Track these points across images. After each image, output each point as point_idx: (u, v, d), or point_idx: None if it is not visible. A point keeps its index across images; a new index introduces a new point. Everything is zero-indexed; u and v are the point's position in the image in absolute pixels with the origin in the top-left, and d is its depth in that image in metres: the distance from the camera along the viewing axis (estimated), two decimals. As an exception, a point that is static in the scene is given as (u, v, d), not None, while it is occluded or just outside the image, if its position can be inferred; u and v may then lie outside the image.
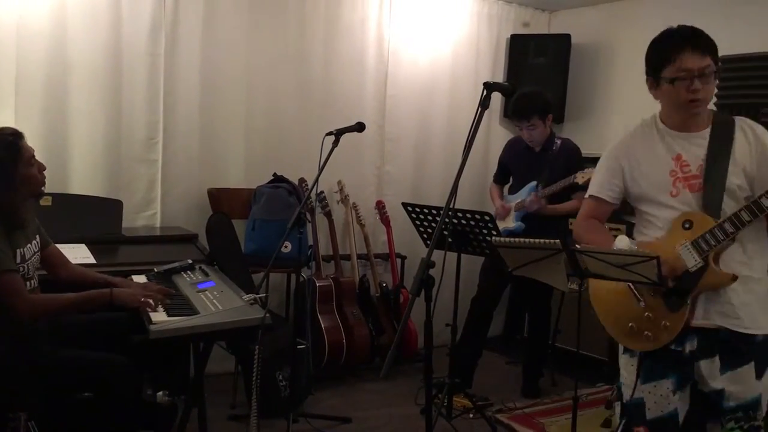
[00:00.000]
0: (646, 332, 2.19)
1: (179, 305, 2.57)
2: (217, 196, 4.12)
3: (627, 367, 2.28)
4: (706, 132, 2.15)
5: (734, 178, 2.09)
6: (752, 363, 2.05)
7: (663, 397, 2.17)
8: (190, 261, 3.13)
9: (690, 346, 2.14)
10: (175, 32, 3.99)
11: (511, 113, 4.15)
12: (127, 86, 3.91)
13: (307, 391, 3.81)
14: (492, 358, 4.85)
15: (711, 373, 2.10)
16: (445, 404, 3.71)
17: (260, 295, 2.67)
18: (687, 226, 2.13)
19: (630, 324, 2.24)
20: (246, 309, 2.53)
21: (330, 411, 3.78)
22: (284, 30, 4.39)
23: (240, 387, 3.71)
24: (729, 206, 2.09)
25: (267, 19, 4.31)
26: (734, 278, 2.05)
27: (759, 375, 2.05)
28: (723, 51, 2.20)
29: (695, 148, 2.15)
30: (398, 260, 4.82)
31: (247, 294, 2.69)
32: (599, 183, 2.37)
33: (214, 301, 2.60)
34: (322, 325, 4.17)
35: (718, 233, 2.04)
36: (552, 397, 4.22)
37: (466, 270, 4.14)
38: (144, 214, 4.03)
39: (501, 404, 4.00)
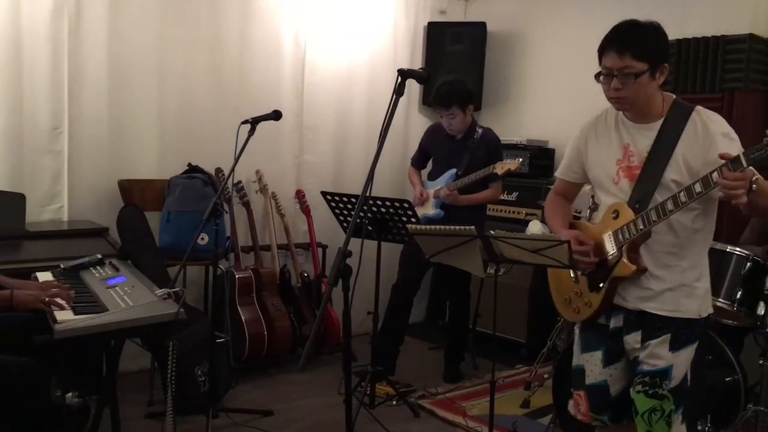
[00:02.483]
0: (574, 305, 2.34)
1: (86, 303, 2.46)
2: (128, 187, 3.97)
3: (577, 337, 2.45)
4: (659, 123, 2.15)
5: (671, 173, 2.10)
6: (669, 335, 2.15)
7: (595, 367, 2.31)
8: (99, 256, 3.01)
9: (615, 321, 2.26)
10: (79, 15, 3.80)
11: (431, 100, 4.17)
12: (28, 73, 3.69)
13: (227, 385, 3.74)
14: (415, 344, 4.89)
15: (633, 344, 2.22)
16: (368, 393, 3.71)
17: (174, 290, 2.59)
18: (614, 215, 2.19)
19: (565, 296, 2.39)
20: (158, 304, 2.44)
21: (251, 404, 3.72)
22: (196, 14, 4.25)
23: (157, 384, 3.61)
24: (663, 197, 2.10)
25: (178, 2, 4.16)
26: (640, 271, 2.12)
27: (673, 348, 2.15)
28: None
29: (644, 138, 2.17)
30: (319, 249, 4.79)
31: (161, 289, 2.61)
32: (564, 164, 2.45)
33: (125, 297, 2.51)
34: (242, 317, 4.09)
35: (633, 227, 2.10)
36: (473, 380, 4.29)
37: (387, 258, 4.15)
38: (49, 208, 3.83)
39: (423, 390, 4.04)
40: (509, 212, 4.93)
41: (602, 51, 2.13)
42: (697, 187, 1.96)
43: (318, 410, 3.71)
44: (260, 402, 3.77)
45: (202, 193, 3.91)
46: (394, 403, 3.81)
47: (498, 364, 4.44)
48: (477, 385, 4.17)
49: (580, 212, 3.94)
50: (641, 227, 2.09)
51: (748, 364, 3.35)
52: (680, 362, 2.15)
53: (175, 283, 2.87)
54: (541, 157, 4.98)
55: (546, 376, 3.93)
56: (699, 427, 3.02)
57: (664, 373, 2.14)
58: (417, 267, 4.17)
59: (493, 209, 4.89)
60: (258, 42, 4.54)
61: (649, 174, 2.13)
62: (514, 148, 4.90)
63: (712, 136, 2.06)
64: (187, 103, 4.26)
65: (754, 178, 1.89)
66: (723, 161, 1.90)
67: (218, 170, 4.26)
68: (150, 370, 3.72)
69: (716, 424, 3.07)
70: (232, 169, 3.11)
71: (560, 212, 2.46)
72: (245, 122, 3.19)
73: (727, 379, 3.22)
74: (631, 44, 2.07)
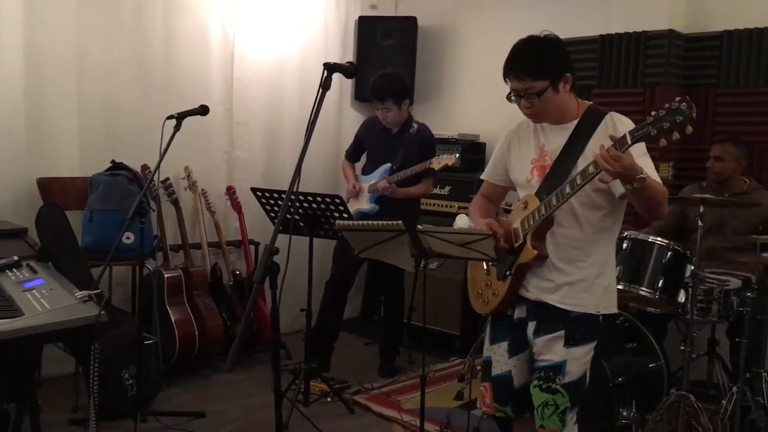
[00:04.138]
0: (484, 297, 2.40)
1: (0, 307, 2.34)
2: (47, 185, 3.82)
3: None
4: (573, 123, 2.24)
5: (580, 168, 2.15)
6: (563, 331, 2.21)
7: (502, 357, 2.37)
8: (16, 258, 2.86)
9: (519, 312, 2.33)
10: (-8, 8, 3.63)
11: (368, 93, 4.15)
12: (-62, 68, 3.52)
13: (156, 388, 3.64)
14: (350, 339, 4.88)
15: (531, 336, 2.28)
16: (302, 390, 3.68)
17: (95, 291, 2.49)
18: (524, 206, 2.27)
19: (477, 289, 2.44)
20: (78, 307, 2.34)
21: (182, 406, 3.63)
22: (118, 2, 4.11)
23: (82, 389, 3.48)
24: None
25: (98, -7, 4.02)
26: (541, 257, 2.19)
27: (567, 344, 2.21)
28: (562, 36, 2.28)
29: (559, 138, 2.25)
30: (252, 247, 4.72)
31: (82, 291, 2.51)
32: (490, 167, 2.51)
33: (42, 300, 2.39)
34: (172, 318, 3.99)
35: (537, 213, 2.19)
36: (408, 374, 4.30)
37: (321, 253, 4.12)
38: (-37, 208, 3.66)
39: (359, 385, 4.03)
40: (442, 206, 4.97)
41: (505, 75, 2.21)
42: (591, 168, 2.05)
43: (251, 410, 3.65)
44: (192, 404, 3.69)
45: (127, 190, 3.80)
46: (329, 399, 3.78)
47: (432, 357, 4.52)
48: (412, 379, 4.18)
49: (510, 205, 3.99)
50: (543, 212, 2.17)
51: (671, 350, 3.47)
52: (575, 358, 2.20)
53: (99, 284, 2.78)
54: (472, 151, 5.03)
55: (479, 368, 3.96)
56: (625, 413, 3.10)
57: (558, 367, 2.20)
58: (350, 262, 4.15)
59: (426, 203, 4.91)
60: (184, 33, 4.43)
61: (558, 169, 2.20)
62: (446, 143, 4.94)
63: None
64: (109, 96, 4.12)
65: (639, 176, 1.98)
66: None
67: (144, 167, 4.14)
68: (74, 374, 3.59)
69: (641, 409, 3.16)
70: (158, 166, 3.03)
71: (480, 207, 2.52)
72: (170, 117, 3.12)
73: (650, 365, 3.34)
74: (527, 66, 2.15)
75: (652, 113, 1.93)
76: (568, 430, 2.21)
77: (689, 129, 1.90)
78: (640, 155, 2.11)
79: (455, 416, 3.52)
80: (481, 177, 2.56)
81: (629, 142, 1.96)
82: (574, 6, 4.60)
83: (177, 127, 3.09)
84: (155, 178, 3.13)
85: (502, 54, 2.23)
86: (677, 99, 1.90)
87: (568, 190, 2.11)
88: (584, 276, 2.22)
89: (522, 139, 2.37)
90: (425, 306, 2.70)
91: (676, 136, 1.90)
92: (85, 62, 3.99)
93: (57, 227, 3.45)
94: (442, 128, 5.03)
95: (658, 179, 2.14)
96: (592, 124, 2.20)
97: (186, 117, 3.15)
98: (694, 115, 1.88)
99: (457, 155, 4.07)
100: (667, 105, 1.91)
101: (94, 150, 4.04)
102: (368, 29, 5.36)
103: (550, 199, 2.15)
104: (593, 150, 2.13)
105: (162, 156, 3.01)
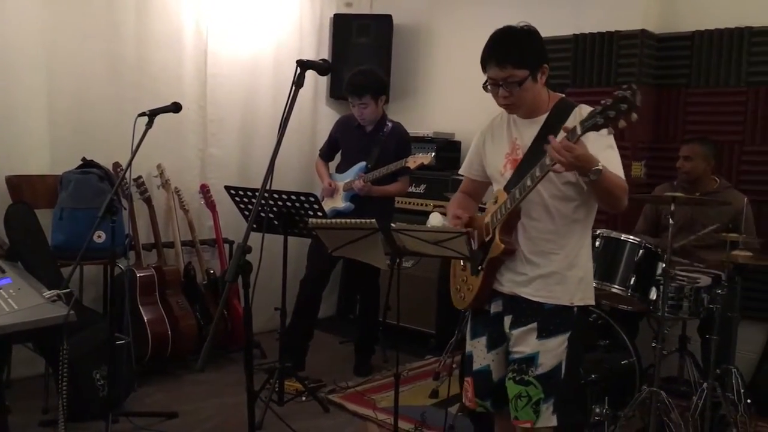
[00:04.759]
0: (461, 292, 2.41)
1: (-34, 307, 2.31)
2: (16, 183, 3.75)
3: None
4: (544, 117, 2.24)
5: (548, 160, 2.14)
6: (535, 324, 2.23)
7: (481, 352, 2.38)
8: (-17, 257, 2.83)
9: (495, 307, 2.35)
10: (-42, 4, 3.56)
11: (345, 88, 4.14)
12: None
13: (129, 388, 3.60)
14: (326, 338, 4.87)
15: (508, 329, 2.29)
16: (277, 390, 3.66)
17: (64, 291, 2.46)
18: (494, 201, 2.28)
19: (456, 285, 2.45)
20: (46, 307, 2.33)
21: (155, 406, 3.59)
22: (89, 2, 4.05)
23: (52, 390, 3.42)
24: (543, 186, 2.18)
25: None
26: (508, 251, 2.20)
27: (540, 335, 2.22)
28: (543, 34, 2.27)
29: (530, 131, 2.26)
30: (226, 245, 4.68)
31: (51, 290, 2.48)
32: (467, 162, 2.52)
33: (10, 300, 2.37)
34: (145, 318, 3.94)
35: (503, 207, 2.20)
36: (383, 373, 4.30)
37: (296, 252, 4.10)
38: (-71, 207, 3.57)
39: (333, 384, 4.02)
40: (417, 204, 4.97)
41: (484, 63, 2.20)
42: (547, 160, 2.04)
43: (225, 410, 3.62)
44: (164, 404, 3.66)
45: (98, 188, 3.76)
46: (304, 399, 3.77)
47: (408, 356, 4.52)
48: (387, 378, 4.18)
49: (485, 203, 4.01)
50: (508, 206, 2.18)
51: (643, 347, 3.51)
52: (548, 350, 2.21)
53: (69, 283, 2.74)
54: (447, 149, 5.04)
55: (454, 366, 3.98)
56: (597, 410, 3.13)
57: (531, 359, 2.21)
58: (325, 261, 4.13)
59: (402, 201, 4.92)
60: (157, 30, 4.37)
61: (528, 161, 2.20)
62: (421, 141, 4.94)
63: None
64: (80, 94, 4.05)
65: (595, 168, 1.98)
66: (591, 152, 2.01)
67: (116, 165, 4.08)
68: (44, 375, 3.54)
69: (613, 405, 3.19)
70: (129, 164, 3.00)
71: (458, 204, 2.51)
72: (142, 114, 3.09)
73: (623, 362, 3.37)
74: (509, 55, 2.15)
75: (602, 102, 1.93)
76: (543, 421, 2.20)
77: (634, 116, 1.89)
78: (606, 148, 2.11)
79: (430, 414, 3.53)
80: (460, 172, 2.55)
81: (579, 132, 1.96)
82: (548, 5, 4.62)
83: (149, 125, 3.06)
84: (127, 175, 3.09)
85: (477, 52, 2.22)
86: (623, 87, 1.90)
87: (528, 182, 2.12)
88: (557, 268, 2.23)
89: (495, 134, 2.37)
90: (400, 304, 2.69)
91: (622, 124, 1.90)
92: (55, 59, 3.92)
93: (26, 226, 3.39)
94: (417, 126, 5.04)
95: (621, 173, 2.13)
96: (562, 116, 2.21)
97: (158, 114, 3.13)
98: (639, 102, 1.88)
99: (433, 154, 4.07)
100: (615, 93, 1.90)
101: (64, 147, 3.98)
102: (343, 27, 5.35)
103: (515, 193, 2.16)
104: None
105: (134, 154, 2.98)
